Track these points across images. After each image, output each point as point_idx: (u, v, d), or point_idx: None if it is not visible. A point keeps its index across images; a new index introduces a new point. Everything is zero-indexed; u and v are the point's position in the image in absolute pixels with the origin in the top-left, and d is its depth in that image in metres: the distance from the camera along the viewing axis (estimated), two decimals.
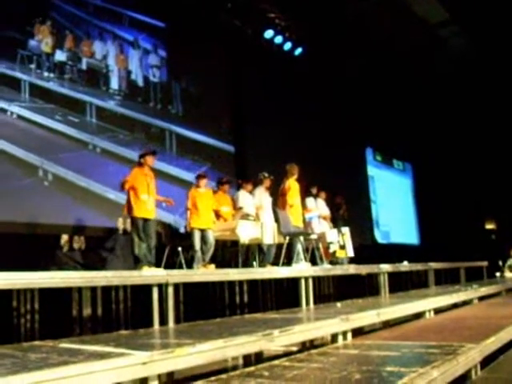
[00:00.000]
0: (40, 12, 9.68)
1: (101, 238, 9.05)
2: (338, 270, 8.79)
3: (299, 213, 9.08)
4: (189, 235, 8.24)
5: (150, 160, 7.29)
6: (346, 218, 11.11)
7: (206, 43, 12.49)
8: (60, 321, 5.20)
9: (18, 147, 8.87)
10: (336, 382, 3.31)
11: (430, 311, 7.22)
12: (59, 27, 9.97)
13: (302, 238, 8.91)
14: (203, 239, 8.03)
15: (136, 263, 6.89)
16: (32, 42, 9.48)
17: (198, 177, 8.53)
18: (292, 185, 8.96)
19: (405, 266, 11.01)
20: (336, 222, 10.74)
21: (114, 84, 10.90)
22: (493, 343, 4.74)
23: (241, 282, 7.00)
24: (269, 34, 13.84)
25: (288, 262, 8.72)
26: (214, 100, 12.59)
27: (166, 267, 7.43)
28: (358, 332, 5.56)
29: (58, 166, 9.35)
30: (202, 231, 8.05)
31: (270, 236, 8.67)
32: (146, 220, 7.07)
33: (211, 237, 8.10)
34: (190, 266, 7.92)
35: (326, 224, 10.45)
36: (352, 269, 9.16)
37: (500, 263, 16.08)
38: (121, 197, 9.33)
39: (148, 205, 7.09)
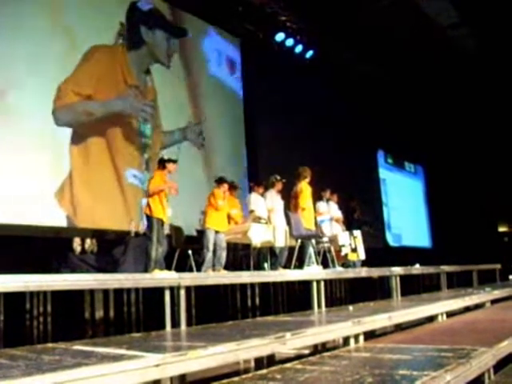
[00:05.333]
0: None
1: (113, 240, 9.08)
2: (349, 273, 8.78)
3: (311, 216, 9.07)
4: (199, 238, 8.24)
5: (172, 167, 7.39)
6: (360, 222, 11.06)
7: None
8: (72, 323, 5.23)
9: None
10: None
11: (442, 314, 7.19)
12: None
13: (313, 240, 8.91)
14: (216, 241, 8.01)
15: (149, 266, 6.89)
16: None
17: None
18: (304, 188, 8.96)
19: (417, 268, 10.97)
20: (351, 225, 10.71)
21: None
22: (506, 347, 4.71)
23: (253, 285, 7.01)
24: (280, 36, 13.84)
25: (300, 264, 8.72)
26: None
27: (176, 270, 7.44)
28: (369, 335, 5.55)
29: None
30: (216, 233, 8.03)
31: (281, 239, 8.68)
32: (162, 223, 7.11)
33: (224, 240, 8.10)
34: (200, 269, 7.92)
35: (339, 227, 10.43)
36: (364, 272, 9.15)
37: None
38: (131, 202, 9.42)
39: (166, 209, 7.16)
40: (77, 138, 9.26)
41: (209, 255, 7.84)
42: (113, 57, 10.12)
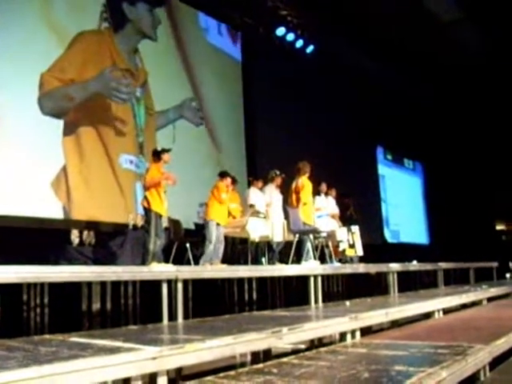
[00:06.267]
0: None
1: (111, 233, 9.07)
2: (347, 269, 8.78)
3: (312, 211, 9.07)
4: (197, 231, 8.22)
5: (167, 157, 7.34)
6: (354, 219, 11.05)
7: None
8: (69, 315, 5.23)
9: None
10: (344, 380, 3.31)
11: (439, 311, 7.20)
12: None
13: (311, 235, 8.91)
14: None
15: (147, 259, 6.89)
16: None
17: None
18: (305, 183, 8.96)
19: (414, 265, 10.99)
20: (345, 221, 10.71)
21: None
22: (502, 344, 4.72)
23: (250, 279, 7.01)
24: (281, 31, 13.81)
25: (297, 259, 8.72)
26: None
27: (174, 263, 7.44)
28: (366, 331, 5.55)
29: None
30: (218, 225, 8.02)
31: (279, 234, 8.68)
32: (160, 216, 7.09)
33: (222, 233, 8.09)
34: (197, 262, 7.91)
35: (335, 222, 10.43)
36: (361, 268, 9.15)
37: (510, 264, 16.02)
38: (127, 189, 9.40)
39: (164, 202, 7.14)
40: (68, 129, 9.15)
41: (210, 247, 7.82)
42: (99, 41, 10.01)
